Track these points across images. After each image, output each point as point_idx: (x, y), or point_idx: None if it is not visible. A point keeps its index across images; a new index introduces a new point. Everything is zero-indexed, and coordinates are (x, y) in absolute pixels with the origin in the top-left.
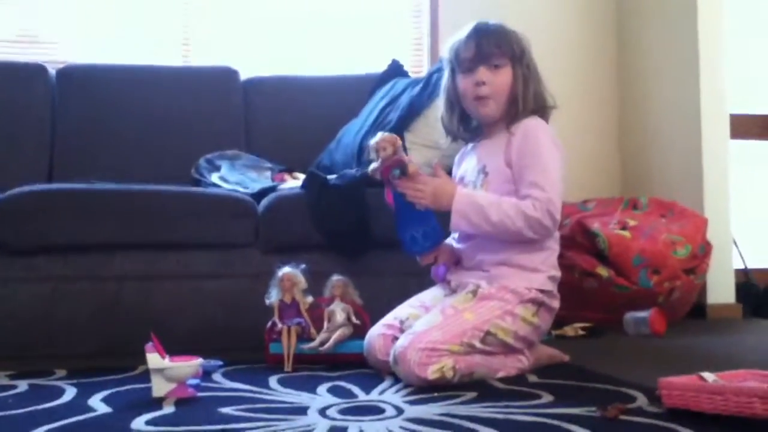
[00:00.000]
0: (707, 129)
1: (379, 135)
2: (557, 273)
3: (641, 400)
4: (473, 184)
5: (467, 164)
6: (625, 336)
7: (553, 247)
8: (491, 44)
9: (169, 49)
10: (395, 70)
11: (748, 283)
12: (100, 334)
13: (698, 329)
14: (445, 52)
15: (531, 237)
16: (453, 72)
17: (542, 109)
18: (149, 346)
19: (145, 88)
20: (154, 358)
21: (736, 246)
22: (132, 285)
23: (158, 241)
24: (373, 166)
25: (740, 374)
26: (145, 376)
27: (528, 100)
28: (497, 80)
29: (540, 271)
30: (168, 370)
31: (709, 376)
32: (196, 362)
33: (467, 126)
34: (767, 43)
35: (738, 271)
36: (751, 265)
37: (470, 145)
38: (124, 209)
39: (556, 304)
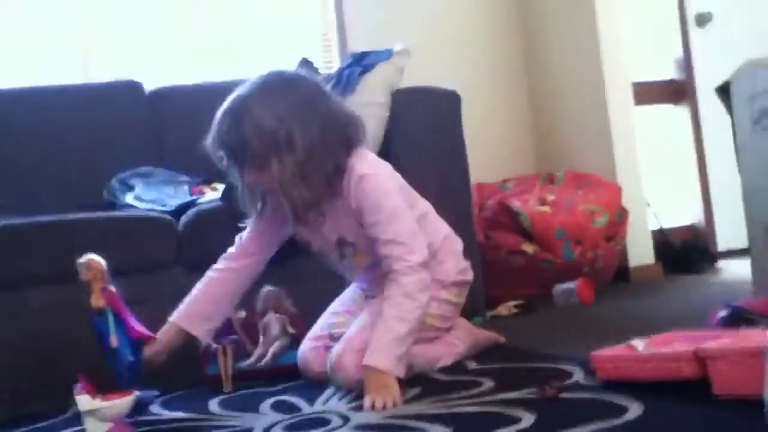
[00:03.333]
0: (612, 99)
1: (83, 261)
2: (459, 245)
3: (578, 374)
4: (338, 252)
5: (308, 233)
6: (556, 308)
7: (444, 231)
8: (238, 151)
9: (68, 67)
10: (305, 68)
11: (665, 242)
12: (21, 375)
13: (623, 293)
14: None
15: (429, 294)
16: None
17: (346, 152)
18: (77, 388)
19: (43, 110)
20: (83, 400)
21: (651, 208)
22: (53, 321)
23: (75, 271)
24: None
25: (668, 337)
26: (79, 417)
27: (301, 188)
28: (266, 180)
29: (449, 259)
30: (101, 411)
31: (638, 344)
32: (131, 397)
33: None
34: (654, 9)
35: (655, 232)
36: (666, 225)
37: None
38: (33, 243)
39: (470, 275)
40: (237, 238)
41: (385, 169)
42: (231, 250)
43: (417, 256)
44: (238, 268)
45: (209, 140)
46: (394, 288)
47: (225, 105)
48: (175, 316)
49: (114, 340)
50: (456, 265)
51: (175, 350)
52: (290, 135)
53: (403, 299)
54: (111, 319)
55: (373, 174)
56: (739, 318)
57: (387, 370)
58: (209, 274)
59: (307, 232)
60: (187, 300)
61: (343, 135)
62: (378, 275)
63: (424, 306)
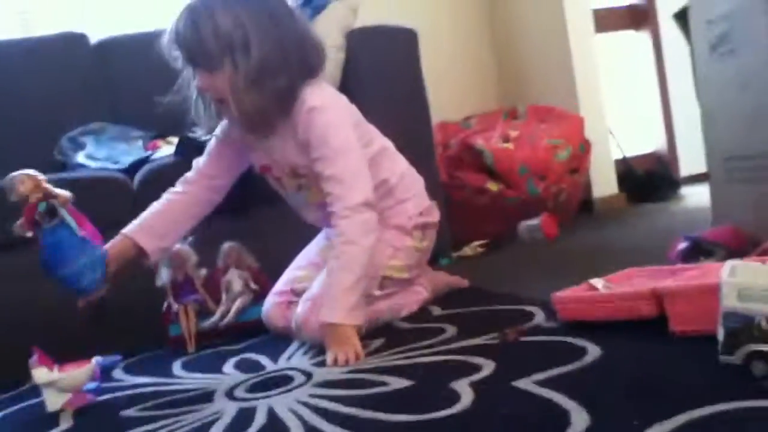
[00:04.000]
0: (572, 27)
1: (10, 176)
2: (420, 183)
3: (539, 317)
4: (294, 181)
5: (263, 156)
6: (521, 245)
7: (402, 167)
8: (193, 49)
9: (4, 22)
10: None
11: (628, 171)
12: None
13: (588, 225)
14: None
15: (376, 233)
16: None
17: (301, 74)
18: (33, 360)
19: None
20: (40, 373)
21: (614, 137)
22: (6, 288)
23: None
24: (19, 222)
25: (627, 274)
26: (37, 390)
27: (247, 99)
28: (217, 85)
29: (410, 197)
30: (59, 382)
31: (598, 283)
32: (89, 366)
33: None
34: None
35: (618, 161)
36: (629, 154)
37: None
38: None
39: (436, 216)
40: (194, 162)
41: (339, 102)
42: (188, 174)
43: (357, 195)
44: (195, 192)
45: (165, 39)
46: (336, 236)
47: (188, 3)
48: (127, 229)
49: (80, 232)
50: (417, 204)
51: (124, 265)
52: (247, 40)
53: (345, 247)
54: (64, 213)
55: (325, 107)
56: (698, 250)
57: (343, 322)
58: (165, 195)
59: (263, 156)
60: (141, 216)
61: (302, 56)
62: (328, 215)
63: (368, 248)
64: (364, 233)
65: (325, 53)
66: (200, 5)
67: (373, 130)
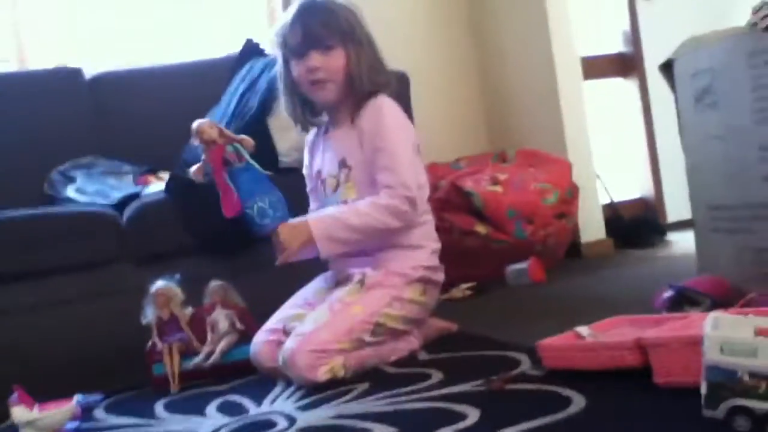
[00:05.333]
0: (561, 74)
1: (197, 122)
2: (437, 245)
3: (525, 363)
4: (335, 179)
5: (321, 157)
6: (508, 289)
7: (428, 219)
8: (318, 26)
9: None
10: (251, 50)
11: (615, 216)
12: None
13: (575, 270)
14: (273, 36)
15: (397, 226)
16: (285, 57)
17: (385, 84)
18: (12, 399)
19: None
20: (19, 412)
21: (601, 182)
22: None
23: (15, 272)
24: (195, 167)
25: (614, 322)
26: (17, 428)
27: (366, 77)
28: (330, 63)
29: (423, 247)
30: (38, 421)
31: (584, 331)
32: (70, 405)
33: (313, 112)
34: None
35: (605, 206)
36: (616, 199)
37: (314, 133)
38: None
39: (441, 276)
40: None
41: (407, 119)
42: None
43: (406, 190)
44: None
45: (275, 29)
46: (372, 197)
47: (300, 2)
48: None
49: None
50: (428, 258)
51: None
52: (362, 36)
53: (373, 207)
54: (248, 156)
55: (392, 112)
56: (683, 299)
57: (312, 231)
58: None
59: (321, 152)
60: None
61: (386, 68)
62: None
63: (383, 223)
64: (393, 215)
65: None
66: (319, 0)
67: (422, 170)
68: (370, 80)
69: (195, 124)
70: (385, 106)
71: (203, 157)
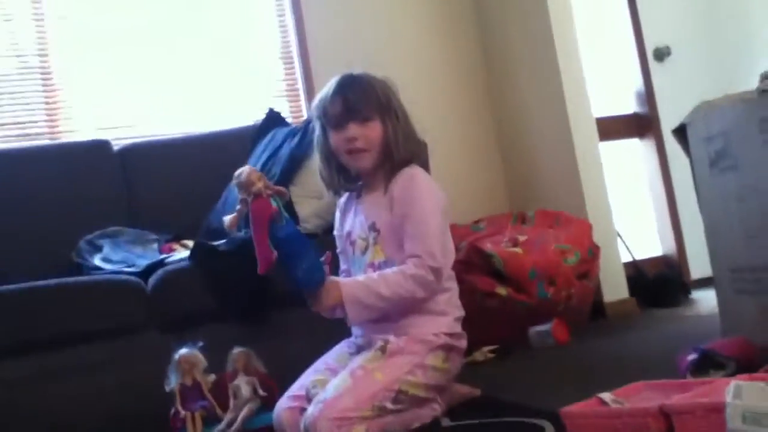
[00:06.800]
0: (577, 135)
1: (242, 169)
2: (461, 312)
3: (549, 430)
4: (365, 241)
5: (352, 220)
6: (532, 351)
7: (453, 286)
8: (358, 99)
9: (34, 129)
10: (273, 119)
11: (638, 275)
12: None
13: (599, 331)
14: (313, 107)
15: (422, 296)
16: (323, 127)
17: (417, 154)
18: None
19: (10, 172)
20: None
21: (623, 241)
22: (25, 389)
23: (44, 339)
24: (230, 217)
25: (637, 387)
26: None
27: (400, 147)
28: (368, 134)
29: (446, 314)
30: None
31: (607, 397)
32: None
33: (347, 178)
34: (613, 45)
35: (627, 265)
36: (638, 257)
37: (346, 197)
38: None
39: (464, 343)
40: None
41: (438, 189)
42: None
43: (432, 260)
44: None
45: (315, 102)
46: (399, 266)
47: (342, 75)
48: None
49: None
50: (451, 325)
51: None
52: (397, 108)
53: (398, 272)
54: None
55: (424, 182)
56: (707, 362)
57: (343, 296)
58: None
59: (353, 215)
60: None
61: (418, 138)
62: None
63: (410, 293)
64: (420, 285)
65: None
66: (357, 74)
67: (449, 238)
68: (404, 149)
69: (242, 172)
70: (417, 175)
71: (239, 207)
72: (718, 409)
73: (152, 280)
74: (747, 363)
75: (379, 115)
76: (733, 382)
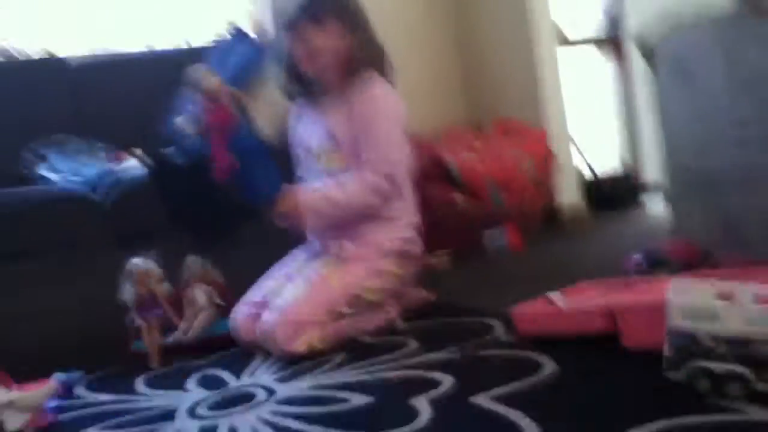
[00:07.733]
0: (536, 39)
1: (197, 69)
2: (415, 218)
3: (498, 330)
4: (322, 149)
5: (310, 129)
6: (486, 256)
7: (408, 194)
8: (315, 1)
9: None
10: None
11: (592, 180)
12: None
13: (552, 236)
14: (270, 13)
15: (377, 203)
16: (281, 31)
17: (376, 59)
18: None
19: None
20: None
21: (576, 146)
22: None
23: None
24: (181, 118)
25: (584, 287)
26: None
27: (359, 52)
28: (325, 37)
29: (400, 220)
30: (18, 401)
31: (555, 297)
32: (50, 384)
33: (303, 82)
34: None
35: (581, 171)
36: (593, 163)
37: (301, 103)
38: None
39: (418, 249)
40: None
41: (397, 102)
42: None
43: (388, 167)
44: None
45: (274, 5)
46: (356, 173)
47: None
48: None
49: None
50: (404, 230)
51: None
52: (356, 12)
53: (356, 180)
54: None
55: (384, 91)
56: (653, 263)
57: (300, 203)
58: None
59: (310, 122)
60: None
61: (379, 44)
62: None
63: (363, 199)
64: (376, 194)
65: (391, 62)
66: None
67: (406, 148)
68: (364, 54)
69: (196, 71)
70: (376, 83)
71: (191, 107)
72: (659, 308)
73: (111, 196)
74: (690, 263)
75: (337, 19)
76: (674, 280)
